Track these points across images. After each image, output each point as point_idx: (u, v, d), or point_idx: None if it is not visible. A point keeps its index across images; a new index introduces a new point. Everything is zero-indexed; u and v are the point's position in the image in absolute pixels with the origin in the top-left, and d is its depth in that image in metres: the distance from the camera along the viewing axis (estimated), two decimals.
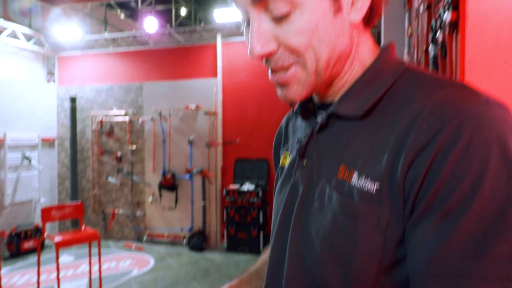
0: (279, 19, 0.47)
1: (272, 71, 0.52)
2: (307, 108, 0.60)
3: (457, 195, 0.39)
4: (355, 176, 0.47)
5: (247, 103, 5.17)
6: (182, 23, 6.67)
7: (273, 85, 0.54)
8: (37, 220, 5.23)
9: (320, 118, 0.57)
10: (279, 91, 0.54)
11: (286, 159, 0.65)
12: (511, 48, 0.88)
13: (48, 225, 5.41)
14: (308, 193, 0.54)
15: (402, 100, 0.47)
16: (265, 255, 0.78)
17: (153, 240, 5.38)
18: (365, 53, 0.54)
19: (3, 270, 4.15)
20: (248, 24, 0.51)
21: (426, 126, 0.42)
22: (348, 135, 0.51)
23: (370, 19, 0.53)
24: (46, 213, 3.44)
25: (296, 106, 0.62)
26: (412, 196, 0.42)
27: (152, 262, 4.56)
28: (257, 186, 4.89)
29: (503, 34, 0.89)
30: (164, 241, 5.32)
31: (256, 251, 4.74)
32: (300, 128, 0.64)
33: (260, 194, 4.74)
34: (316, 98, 0.59)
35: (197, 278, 4.03)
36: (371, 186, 0.45)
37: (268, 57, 0.50)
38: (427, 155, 0.41)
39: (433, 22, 1.39)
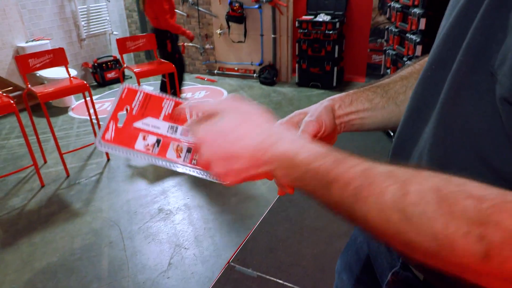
0: None
1: None
2: None
3: None
4: None
5: None
6: None
7: None
8: (114, 52, 5.42)
9: None
10: None
11: None
12: None
13: (125, 57, 5.63)
14: None
15: None
16: (405, 70, 0.60)
17: (224, 73, 5.43)
18: None
19: (94, 97, 4.56)
20: None
21: None
22: None
23: None
24: (122, 44, 3.47)
25: None
26: None
27: (225, 94, 4.69)
28: (333, 17, 4.39)
29: None
30: (235, 74, 5.35)
31: (329, 87, 4.61)
32: None
33: (337, 25, 4.29)
34: None
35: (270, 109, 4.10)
36: None
37: None
38: None
39: None
